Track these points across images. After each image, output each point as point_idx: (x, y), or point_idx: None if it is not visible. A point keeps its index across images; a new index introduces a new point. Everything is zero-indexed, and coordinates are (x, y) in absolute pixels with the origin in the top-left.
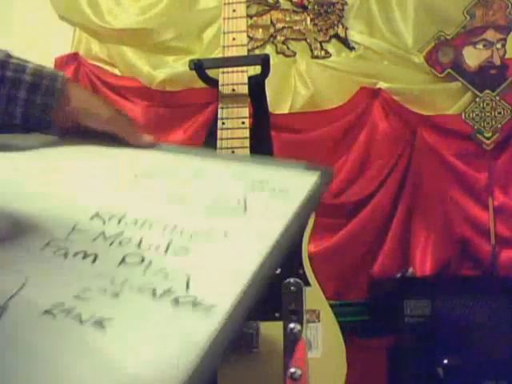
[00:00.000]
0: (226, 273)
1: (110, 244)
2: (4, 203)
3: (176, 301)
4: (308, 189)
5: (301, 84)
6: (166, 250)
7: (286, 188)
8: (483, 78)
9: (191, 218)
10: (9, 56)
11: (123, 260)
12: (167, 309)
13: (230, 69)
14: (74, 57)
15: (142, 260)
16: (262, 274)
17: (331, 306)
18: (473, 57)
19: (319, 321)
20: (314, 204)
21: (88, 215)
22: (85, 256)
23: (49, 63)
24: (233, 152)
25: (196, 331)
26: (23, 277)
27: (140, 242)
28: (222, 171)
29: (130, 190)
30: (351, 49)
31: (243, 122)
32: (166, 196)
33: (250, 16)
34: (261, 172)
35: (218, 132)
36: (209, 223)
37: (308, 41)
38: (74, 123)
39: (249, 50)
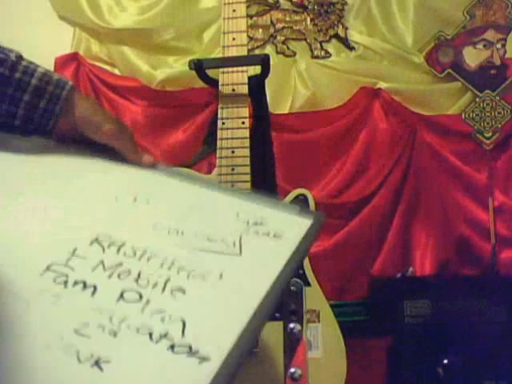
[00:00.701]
0: (220, 318)
1: (109, 276)
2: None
3: (172, 347)
4: (301, 235)
5: (301, 84)
6: (164, 288)
7: (281, 233)
8: (483, 78)
9: (188, 255)
10: (20, 58)
11: (121, 296)
12: (163, 353)
13: (230, 69)
14: (73, 57)
15: (140, 297)
16: (255, 320)
17: (331, 306)
18: (473, 57)
19: (319, 321)
20: (306, 249)
21: (88, 239)
22: (84, 287)
23: (49, 63)
24: (233, 152)
25: (190, 378)
26: (24, 303)
27: (138, 276)
28: (218, 204)
29: (129, 214)
30: (351, 49)
31: (243, 122)
32: (164, 226)
33: (250, 16)
34: (257, 213)
35: (218, 132)
36: (205, 263)
37: (308, 41)
38: (76, 132)
39: (249, 50)
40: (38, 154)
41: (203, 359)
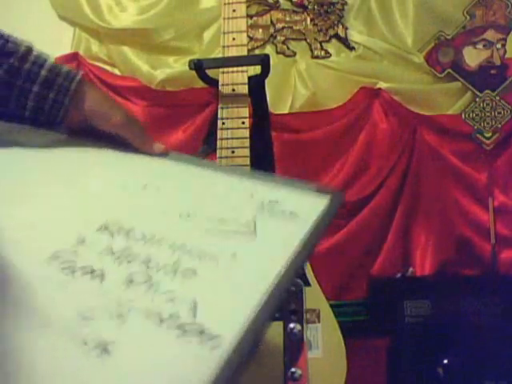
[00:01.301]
0: (232, 300)
1: (118, 260)
2: (9, 203)
3: (182, 328)
4: (318, 213)
5: (301, 84)
6: (174, 271)
7: (297, 211)
8: (483, 78)
9: (200, 237)
10: (30, 49)
11: (130, 279)
12: (173, 336)
13: (230, 69)
14: (73, 57)
15: (149, 280)
16: (269, 302)
17: (331, 306)
18: (473, 57)
19: (319, 321)
20: (324, 229)
21: (96, 226)
22: (92, 273)
23: None
24: (233, 152)
25: (201, 362)
26: (30, 289)
27: (148, 259)
28: (232, 188)
29: (139, 201)
30: (351, 49)
31: (243, 122)
32: (174, 211)
33: (250, 16)
34: (271, 192)
35: (218, 132)
36: (217, 244)
37: (308, 41)
38: (86, 124)
39: (249, 50)
40: (48, 146)
41: (215, 339)
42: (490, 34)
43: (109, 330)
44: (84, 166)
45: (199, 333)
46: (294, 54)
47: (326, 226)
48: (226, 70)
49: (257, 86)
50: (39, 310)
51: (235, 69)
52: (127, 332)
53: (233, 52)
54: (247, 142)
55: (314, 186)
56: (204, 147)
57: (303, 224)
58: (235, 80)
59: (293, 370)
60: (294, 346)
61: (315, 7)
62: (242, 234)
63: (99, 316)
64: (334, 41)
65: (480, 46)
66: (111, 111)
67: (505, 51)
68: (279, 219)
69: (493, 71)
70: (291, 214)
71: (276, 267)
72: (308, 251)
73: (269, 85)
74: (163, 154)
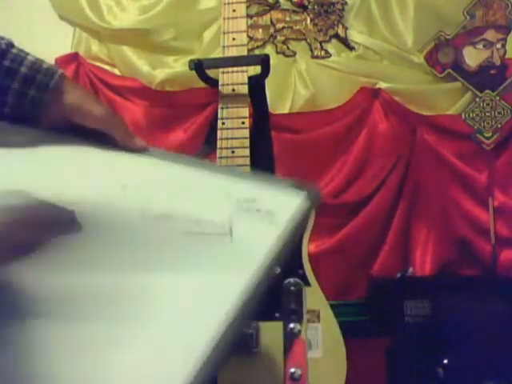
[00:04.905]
0: (201, 315)
1: None
2: None
3: None
4: (294, 211)
5: (301, 84)
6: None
7: (273, 210)
8: (483, 78)
9: (176, 241)
10: (10, 46)
11: None
12: None
13: (229, 69)
14: (74, 57)
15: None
16: (238, 317)
17: (331, 306)
18: (473, 57)
19: (319, 321)
20: (301, 227)
21: None
22: None
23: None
24: (233, 152)
25: None
26: None
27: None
28: (210, 186)
29: (117, 202)
30: (351, 49)
31: (243, 122)
32: (151, 213)
33: (250, 16)
34: (248, 190)
35: (218, 132)
36: (193, 250)
37: (308, 41)
38: (66, 120)
39: (249, 50)
40: (27, 145)
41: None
42: (490, 34)
43: None
44: (63, 164)
45: None
46: (294, 53)
47: (302, 224)
48: (225, 70)
49: (257, 85)
50: None
51: (235, 69)
52: None
53: (233, 52)
54: (247, 142)
55: (290, 182)
56: (204, 147)
57: (279, 224)
58: (235, 80)
59: (293, 370)
60: (294, 346)
61: (315, 7)
62: (218, 238)
63: None
64: (334, 41)
65: (480, 46)
66: (92, 106)
67: (505, 51)
68: (255, 219)
69: (493, 71)
70: (267, 213)
71: (249, 276)
72: (282, 253)
73: (269, 85)
74: (144, 149)
